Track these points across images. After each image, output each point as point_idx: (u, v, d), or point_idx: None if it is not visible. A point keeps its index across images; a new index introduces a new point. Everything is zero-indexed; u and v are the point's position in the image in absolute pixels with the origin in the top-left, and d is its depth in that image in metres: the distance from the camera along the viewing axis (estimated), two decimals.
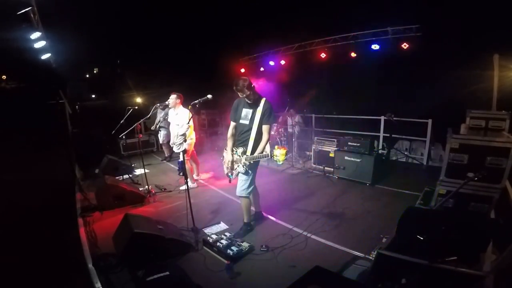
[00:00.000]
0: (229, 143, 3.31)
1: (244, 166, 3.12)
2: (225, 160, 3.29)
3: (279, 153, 2.85)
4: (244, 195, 3.24)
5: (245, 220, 3.43)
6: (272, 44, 9.41)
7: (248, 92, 3.01)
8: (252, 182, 3.23)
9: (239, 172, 3.20)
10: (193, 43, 12.08)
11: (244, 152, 3.15)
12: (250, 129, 3.13)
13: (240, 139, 3.23)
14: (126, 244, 2.68)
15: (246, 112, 3.19)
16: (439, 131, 5.41)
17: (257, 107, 3.11)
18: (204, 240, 3.10)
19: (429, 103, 6.13)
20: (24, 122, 9.45)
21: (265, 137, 3.10)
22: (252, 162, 3.10)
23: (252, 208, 3.59)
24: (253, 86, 3.06)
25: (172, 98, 4.72)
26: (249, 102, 3.12)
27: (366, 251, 2.83)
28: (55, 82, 6.15)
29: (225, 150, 3.36)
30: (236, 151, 3.22)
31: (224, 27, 10.60)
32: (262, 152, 3.03)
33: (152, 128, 6.51)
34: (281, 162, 2.97)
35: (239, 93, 3.07)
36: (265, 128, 3.10)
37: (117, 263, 2.73)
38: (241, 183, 3.22)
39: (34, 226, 3.65)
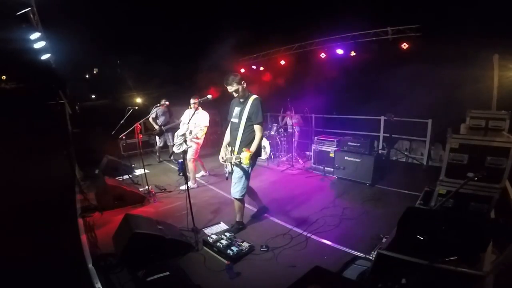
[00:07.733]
0: (224, 141, 3.36)
1: (233, 166, 3.11)
2: (220, 156, 3.33)
3: (243, 156, 2.82)
4: (237, 197, 3.22)
5: (237, 219, 3.45)
6: (272, 44, 9.41)
7: (237, 87, 3.00)
8: (245, 184, 3.18)
9: (229, 172, 3.20)
10: (193, 43, 12.08)
11: (232, 151, 3.16)
12: (238, 127, 3.10)
13: (232, 137, 3.23)
14: (126, 244, 2.68)
15: (237, 110, 3.18)
16: (439, 131, 5.41)
17: (246, 105, 3.06)
18: (204, 240, 3.10)
19: (429, 103, 6.12)
20: (24, 122, 9.43)
21: (256, 136, 3.04)
22: (239, 162, 2.98)
23: (249, 206, 3.56)
24: (244, 82, 3.04)
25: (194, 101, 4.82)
26: (240, 100, 3.12)
27: (366, 251, 2.82)
28: (55, 82, 6.13)
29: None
30: (228, 150, 3.25)
31: (224, 27, 10.61)
32: (253, 153, 2.95)
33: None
34: (245, 165, 2.99)
35: (228, 88, 3.05)
36: (256, 127, 3.04)
37: (117, 263, 2.73)
38: (234, 184, 3.21)
39: (33, 226, 3.64)
